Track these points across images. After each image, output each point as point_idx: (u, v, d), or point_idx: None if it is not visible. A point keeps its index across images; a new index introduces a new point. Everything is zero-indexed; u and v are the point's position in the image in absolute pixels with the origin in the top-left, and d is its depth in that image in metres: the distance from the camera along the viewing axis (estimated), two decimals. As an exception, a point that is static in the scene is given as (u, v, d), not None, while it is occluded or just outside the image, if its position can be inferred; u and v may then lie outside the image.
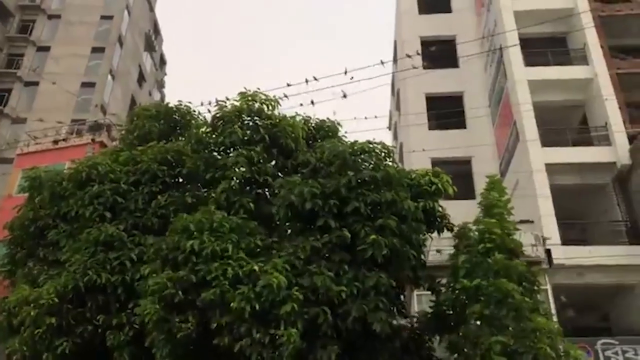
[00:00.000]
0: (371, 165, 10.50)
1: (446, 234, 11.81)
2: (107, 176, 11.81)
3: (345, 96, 14.74)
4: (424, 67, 22.61)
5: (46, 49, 36.52)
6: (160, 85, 49.40)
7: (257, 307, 8.80)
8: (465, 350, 9.95)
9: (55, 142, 25.88)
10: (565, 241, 16.24)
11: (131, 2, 40.43)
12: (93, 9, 38.03)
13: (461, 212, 12.46)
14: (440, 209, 11.39)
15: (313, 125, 13.32)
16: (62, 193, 12.11)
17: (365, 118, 17.51)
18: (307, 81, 14.18)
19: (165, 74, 51.39)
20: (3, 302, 11.40)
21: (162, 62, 50.28)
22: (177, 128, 14.09)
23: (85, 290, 10.18)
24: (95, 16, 37.83)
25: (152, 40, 45.28)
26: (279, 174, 11.83)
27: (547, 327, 9.29)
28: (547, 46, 20.91)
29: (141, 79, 42.80)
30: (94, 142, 24.58)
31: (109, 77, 36.08)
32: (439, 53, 24.69)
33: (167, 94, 50.37)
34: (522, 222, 14.03)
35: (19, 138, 29.51)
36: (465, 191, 18.93)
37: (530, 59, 20.06)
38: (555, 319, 11.67)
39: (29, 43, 36.47)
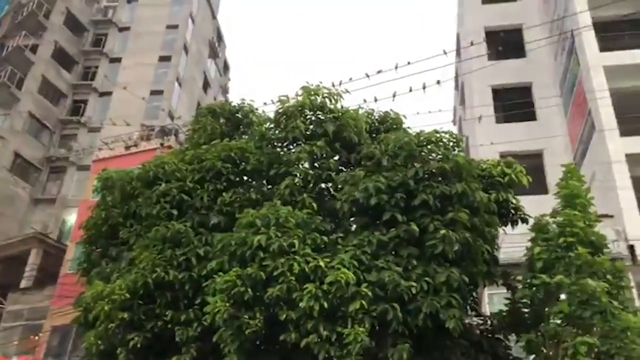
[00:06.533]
0: (439, 156, 10.01)
1: (520, 228, 11.18)
2: (173, 175, 11.90)
3: (411, 90, 14.36)
4: (489, 59, 21.76)
5: (118, 60, 38.36)
6: (225, 90, 50.61)
7: (326, 305, 8.59)
8: (544, 350, 9.34)
9: (127, 147, 27.03)
10: (650, 237, 15.09)
11: (195, 10, 41.67)
12: (159, 19, 39.53)
13: (533, 207, 11.76)
14: (513, 200, 10.79)
15: (376, 117, 12.96)
16: (131, 192, 12.35)
17: (429, 112, 16.95)
18: (368, 75, 13.90)
19: (229, 79, 52.64)
20: (80, 298, 11.83)
21: (226, 67, 51.53)
22: (240, 126, 14.16)
23: (154, 287, 10.26)
24: (161, 26, 39.29)
25: (215, 47, 46.46)
26: (342, 168, 11.59)
27: (639, 325, 8.54)
28: (624, 29, 19.58)
29: (206, 85, 44.00)
30: (162, 146, 25.45)
31: (176, 84, 37.34)
32: (505, 43, 23.69)
33: (232, 98, 51.61)
34: (601, 216, 13.05)
35: (94, 146, 31.02)
36: (537, 185, 17.94)
37: (606, 44, 18.81)
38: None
39: (102, 55, 38.34)
